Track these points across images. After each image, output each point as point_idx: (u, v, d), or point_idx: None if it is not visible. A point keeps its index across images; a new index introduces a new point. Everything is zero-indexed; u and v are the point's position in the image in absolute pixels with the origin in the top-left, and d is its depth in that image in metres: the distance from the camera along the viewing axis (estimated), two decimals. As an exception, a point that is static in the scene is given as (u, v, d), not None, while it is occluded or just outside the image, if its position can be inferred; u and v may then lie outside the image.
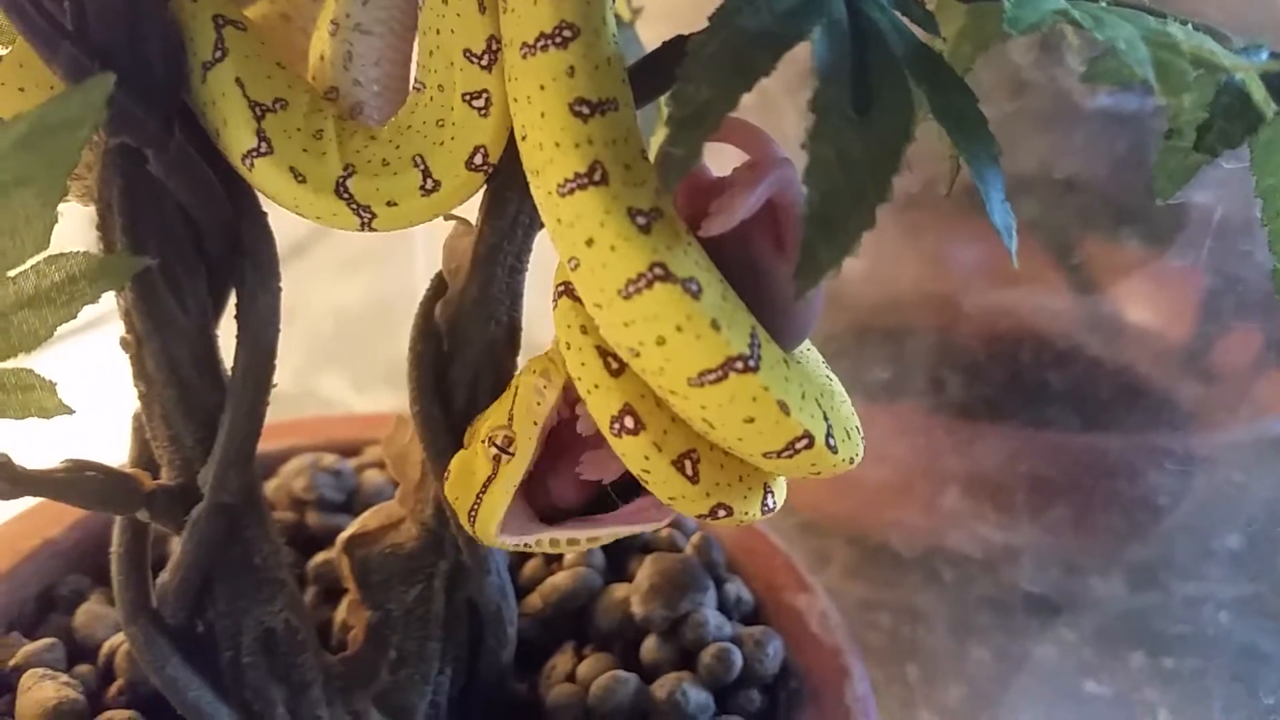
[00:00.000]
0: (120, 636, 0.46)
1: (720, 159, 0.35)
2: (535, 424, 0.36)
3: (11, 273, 0.31)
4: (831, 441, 0.34)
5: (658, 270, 0.31)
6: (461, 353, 0.41)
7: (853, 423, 0.36)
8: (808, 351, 0.36)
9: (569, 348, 0.34)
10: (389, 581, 0.42)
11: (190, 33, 0.35)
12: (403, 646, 0.43)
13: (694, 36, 0.30)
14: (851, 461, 0.35)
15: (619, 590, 0.48)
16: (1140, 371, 0.82)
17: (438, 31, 0.35)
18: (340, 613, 0.48)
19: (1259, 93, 0.34)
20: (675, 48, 0.37)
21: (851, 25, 0.32)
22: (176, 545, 0.40)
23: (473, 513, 0.38)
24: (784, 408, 0.32)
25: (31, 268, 0.31)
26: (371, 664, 0.43)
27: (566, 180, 0.31)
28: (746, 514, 0.35)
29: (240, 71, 0.35)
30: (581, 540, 0.37)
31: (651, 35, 0.41)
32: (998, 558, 0.75)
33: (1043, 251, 0.80)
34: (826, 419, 0.34)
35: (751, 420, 0.32)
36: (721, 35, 0.30)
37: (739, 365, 0.31)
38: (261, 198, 0.37)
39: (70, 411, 0.32)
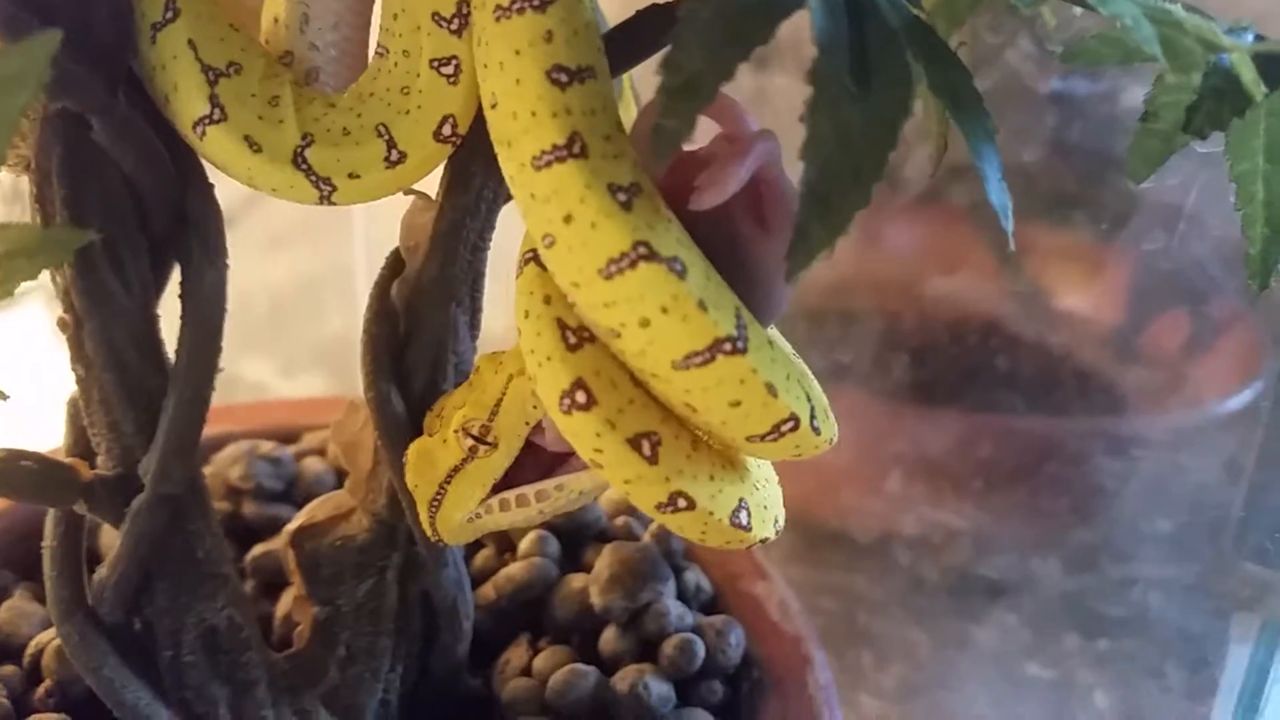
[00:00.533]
0: (48, 634, 0.43)
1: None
2: (527, 424, 0.34)
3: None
4: (815, 423, 0.33)
5: (641, 249, 0.29)
6: (420, 335, 0.39)
7: (825, 402, 0.35)
8: (771, 330, 0.35)
9: (527, 316, 0.31)
10: (339, 575, 0.40)
11: None
12: (353, 643, 0.41)
13: (685, 3, 0.29)
14: (830, 442, 0.34)
15: (576, 580, 0.47)
16: (1077, 356, 0.83)
17: None
18: (282, 608, 0.45)
19: (1249, 74, 0.33)
20: (650, 17, 0.35)
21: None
22: (113, 539, 0.37)
23: (435, 503, 0.36)
24: (771, 390, 0.31)
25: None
26: (319, 662, 0.41)
27: (543, 152, 0.29)
28: (711, 514, 0.32)
29: (193, 33, 0.32)
30: (535, 501, 0.35)
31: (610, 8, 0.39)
32: (943, 541, 0.75)
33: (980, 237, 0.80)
34: (810, 400, 0.32)
35: (738, 403, 0.31)
36: (715, 2, 0.29)
37: (726, 347, 0.30)
38: (209, 169, 0.35)
39: (4, 397, 0.30)
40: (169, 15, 0.32)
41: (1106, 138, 0.77)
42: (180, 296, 0.36)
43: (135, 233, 0.34)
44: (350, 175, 0.33)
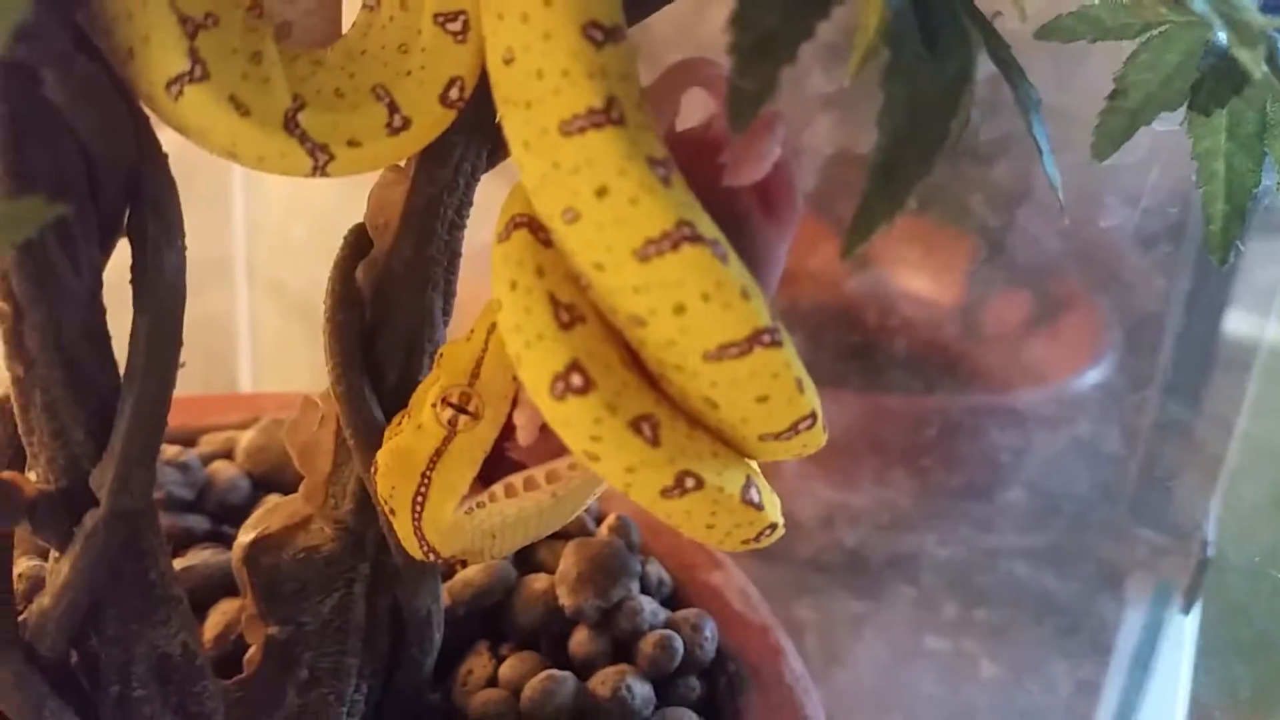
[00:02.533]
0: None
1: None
2: (514, 382, 0.31)
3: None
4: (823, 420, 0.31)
5: (685, 230, 0.26)
6: (392, 323, 0.35)
7: None
8: None
9: (514, 288, 0.28)
10: (303, 591, 0.36)
11: None
12: (316, 664, 0.37)
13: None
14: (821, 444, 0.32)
15: (538, 581, 0.44)
16: (923, 336, 0.84)
17: None
18: (210, 628, 0.41)
19: (1247, 54, 0.34)
20: None
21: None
22: (51, 563, 0.32)
23: (419, 501, 0.32)
24: (800, 385, 0.29)
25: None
26: (276, 686, 0.37)
27: (575, 116, 0.26)
28: (722, 490, 0.30)
29: None
30: (545, 482, 0.32)
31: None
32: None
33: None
34: (815, 396, 0.31)
35: (765, 398, 0.29)
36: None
37: (765, 339, 0.27)
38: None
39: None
40: None
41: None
42: (131, 282, 0.31)
43: (88, 209, 0.30)
44: (350, 143, 0.30)
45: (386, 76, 0.30)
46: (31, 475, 0.32)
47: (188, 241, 0.32)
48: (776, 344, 0.28)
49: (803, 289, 0.76)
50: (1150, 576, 0.70)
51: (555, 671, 0.41)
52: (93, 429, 0.31)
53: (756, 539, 0.32)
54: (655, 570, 0.46)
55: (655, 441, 0.28)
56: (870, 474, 0.75)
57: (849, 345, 0.76)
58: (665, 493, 0.29)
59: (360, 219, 0.36)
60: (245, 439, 0.49)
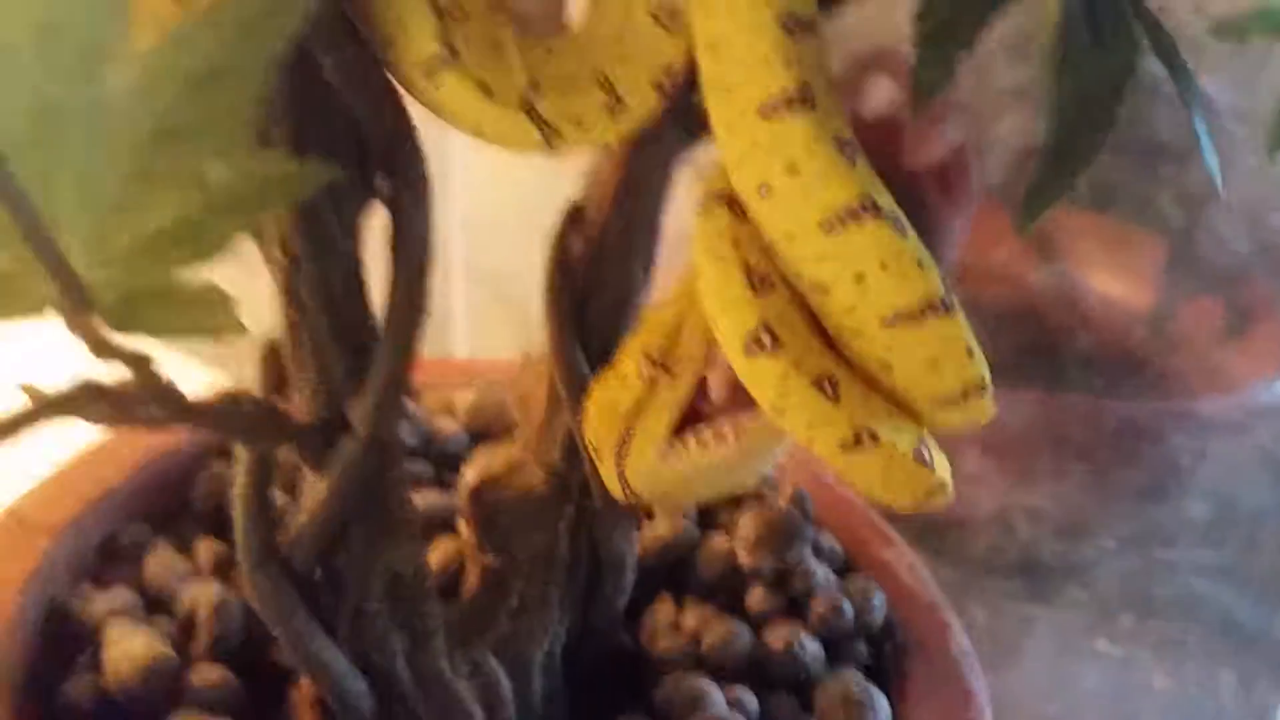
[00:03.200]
0: (202, 588, 0.44)
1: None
2: (709, 343, 0.34)
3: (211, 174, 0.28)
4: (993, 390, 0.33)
5: (867, 203, 0.30)
6: (601, 288, 0.40)
7: None
8: None
9: (713, 258, 0.32)
10: (517, 525, 0.41)
11: None
12: (525, 593, 0.41)
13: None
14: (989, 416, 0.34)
15: (719, 541, 0.47)
16: (1107, 337, 0.84)
17: None
18: (435, 559, 0.46)
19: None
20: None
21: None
22: (306, 486, 0.38)
23: (623, 447, 0.35)
24: (970, 352, 0.32)
25: (226, 169, 0.29)
26: (491, 611, 0.42)
27: (773, 98, 0.30)
28: (895, 447, 0.32)
29: None
30: (733, 437, 0.34)
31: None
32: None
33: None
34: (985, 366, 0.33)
35: (936, 363, 0.31)
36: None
37: (939, 307, 0.31)
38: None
39: (244, 331, 0.30)
40: None
41: (1151, 123, 0.78)
42: (388, 243, 0.36)
43: (355, 176, 0.35)
44: (575, 123, 0.34)
45: (608, 64, 0.34)
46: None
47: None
48: (949, 312, 0.31)
49: (985, 284, 0.77)
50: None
51: (735, 623, 0.44)
52: (351, 368, 0.36)
53: (927, 497, 0.34)
54: (828, 541, 0.49)
55: (836, 399, 0.31)
56: (1048, 473, 0.76)
57: (1030, 342, 0.77)
58: (844, 447, 0.31)
59: (554, 206, 0.41)
60: (464, 398, 0.55)
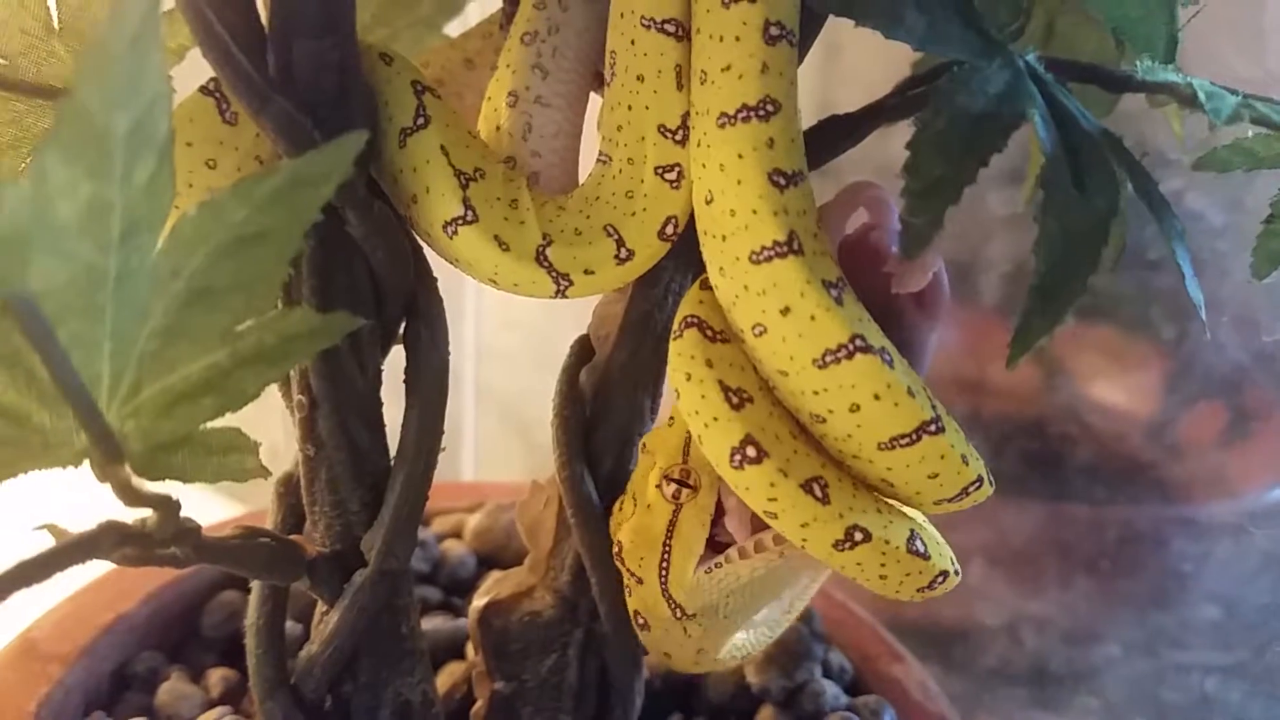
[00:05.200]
0: (210, 715, 0.44)
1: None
2: None
3: (239, 329, 0.30)
4: (990, 478, 0.35)
5: (859, 341, 0.32)
6: (609, 419, 0.41)
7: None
8: None
9: (689, 380, 0.34)
10: (526, 650, 0.42)
11: (385, 97, 0.35)
12: (534, 718, 0.42)
13: (919, 116, 0.32)
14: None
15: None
16: (1110, 446, 0.85)
17: (629, 108, 0.36)
18: (443, 684, 0.46)
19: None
20: (828, 129, 0.39)
21: (1050, 109, 0.34)
22: (317, 617, 0.39)
23: (664, 567, 0.37)
24: (965, 459, 0.34)
25: (254, 325, 0.30)
26: (499, 738, 0.42)
27: (764, 248, 0.32)
28: (888, 543, 0.34)
29: (444, 139, 0.35)
30: (772, 544, 0.36)
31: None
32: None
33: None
34: (978, 458, 0.35)
35: (935, 475, 0.34)
36: (945, 114, 0.32)
37: (931, 428, 0.33)
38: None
39: (268, 474, 0.32)
40: (420, 121, 0.35)
41: (1146, 237, 0.80)
42: (405, 381, 0.38)
43: (374, 322, 0.36)
44: (586, 271, 0.36)
45: (615, 217, 0.36)
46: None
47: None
48: (940, 431, 0.33)
49: (989, 398, 0.79)
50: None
51: (744, 744, 0.45)
52: (366, 501, 0.37)
53: (929, 586, 0.35)
54: (837, 658, 0.49)
55: (825, 499, 0.33)
56: (1054, 582, 0.76)
57: (1034, 454, 0.78)
58: (837, 545, 0.34)
59: (558, 334, 0.42)
60: (472, 521, 0.55)
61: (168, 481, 0.30)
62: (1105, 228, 0.32)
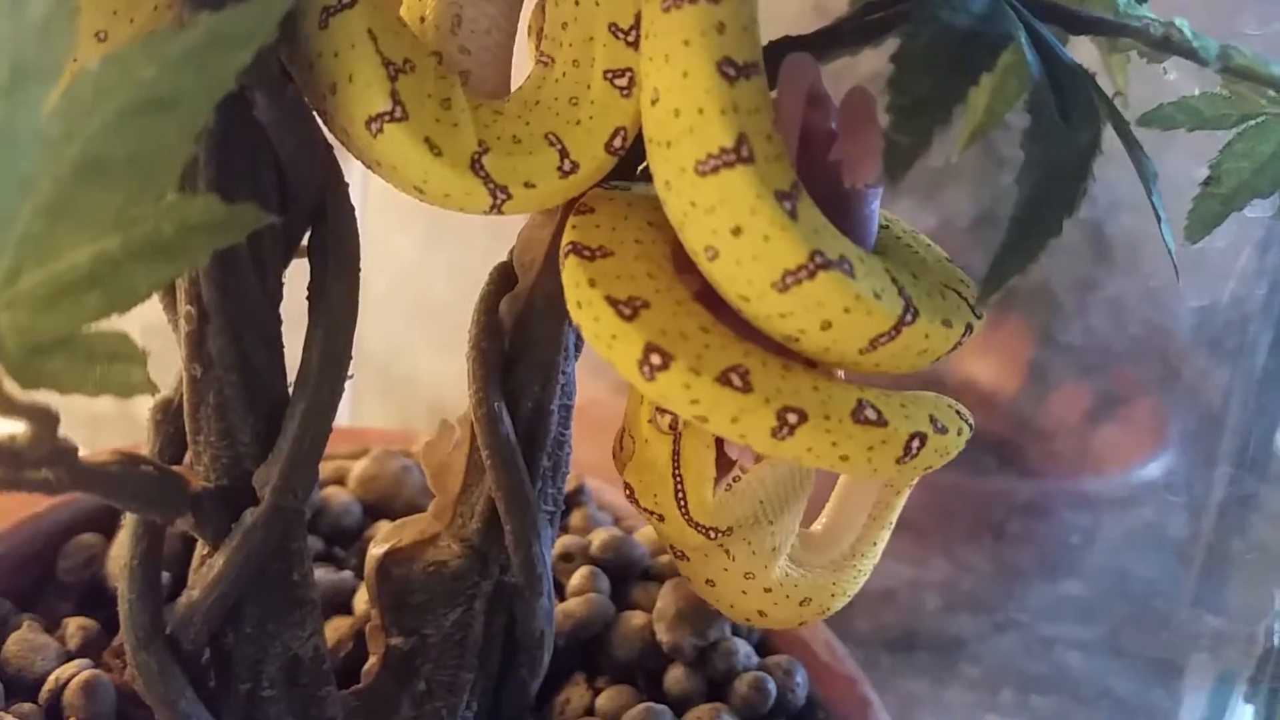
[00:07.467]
0: (68, 668, 0.40)
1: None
2: None
3: (133, 213, 0.26)
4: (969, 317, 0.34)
5: (818, 259, 0.29)
6: (531, 352, 0.38)
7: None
8: None
9: (580, 307, 0.31)
10: (429, 603, 0.38)
11: None
12: (434, 676, 0.39)
13: (902, 29, 0.29)
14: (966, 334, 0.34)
15: (636, 618, 0.45)
16: (982, 423, 0.86)
17: (575, 2, 0.32)
18: (331, 638, 0.43)
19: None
20: (779, 53, 0.36)
21: (1030, 37, 0.32)
22: (196, 559, 0.34)
23: (680, 495, 0.35)
24: (948, 324, 0.32)
25: (150, 211, 0.26)
26: (392, 697, 0.39)
27: (709, 156, 0.29)
28: (827, 419, 0.31)
29: (372, 22, 0.31)
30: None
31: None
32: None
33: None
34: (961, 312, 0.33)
35: (925, 351, 0.32)
36: (929, 29, 0.29)
37: (907, 319, 0.31)
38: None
39: (155, 390, 0.27)
40: (344, 0, 0.31)
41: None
42: (308, 298, 0.34)
43: (278, 226, 0.32)
44: (526, 184, 0.32)
45: (558, 125, 0.33)
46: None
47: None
48: (917, 316, 0.31)
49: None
50: (1212, 666, 0.70)
51: (653, 704, 0.42)
52: (259, 431, 0.33)
53: (908, 454, 0.32)
54: (745, 617, 0.47)
55: (747, 387, 0.30)
56: (938, 551, 0.76)
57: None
58: (775, 433, 0.31)
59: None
60: (357, 468, 0.51)
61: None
62: (1088, 164, 0.31)
